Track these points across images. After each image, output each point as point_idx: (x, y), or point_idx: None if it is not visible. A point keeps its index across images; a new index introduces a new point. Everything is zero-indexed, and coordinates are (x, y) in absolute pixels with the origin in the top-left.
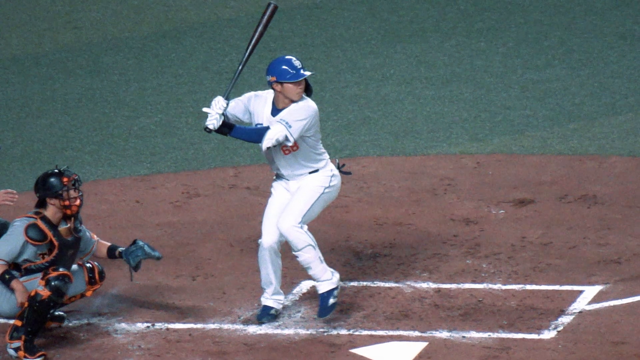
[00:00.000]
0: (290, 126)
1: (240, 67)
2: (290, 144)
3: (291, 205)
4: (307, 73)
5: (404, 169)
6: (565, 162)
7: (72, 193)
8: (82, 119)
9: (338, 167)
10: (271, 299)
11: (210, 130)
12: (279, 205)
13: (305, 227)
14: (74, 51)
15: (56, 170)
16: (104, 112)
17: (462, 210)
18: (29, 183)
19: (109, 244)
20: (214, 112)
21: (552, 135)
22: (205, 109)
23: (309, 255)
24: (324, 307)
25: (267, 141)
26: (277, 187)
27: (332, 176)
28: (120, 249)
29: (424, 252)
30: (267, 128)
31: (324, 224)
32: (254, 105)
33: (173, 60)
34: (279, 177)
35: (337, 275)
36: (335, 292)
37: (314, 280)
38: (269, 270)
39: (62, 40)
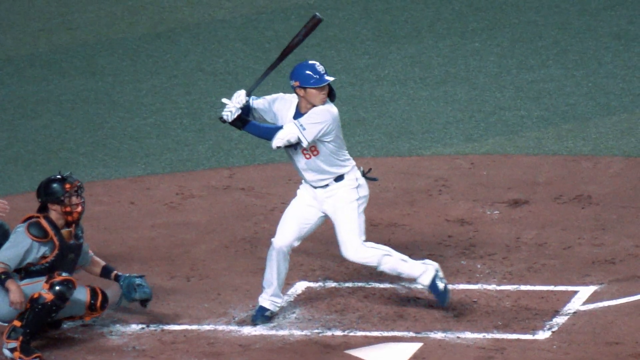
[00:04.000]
0: (304, 128)
1: (269, 68)
2: (304, 146)
3: (341, 232)
4: (330, 78)
5: (399, 170)
6: (560, 162)
7: (74, 199)
8: (77, 120)
9: (363, 174)
10: (269, 300)
11: (224, 121)
12: (301, 211)
13: (370, 242)
14: (68, 52)
15: (59, 176)
16: (98, 113)
17: (456, 211)
18: (23, 184)
19: (104, 263)
20: (232, 105)
21: (547, 136)
22: (224, 100)
23: (390, 263)
24: (438, 294)
25: (278, 140)
26: (304, 192)
27: (357, 187)
28: (117, 273)
29: (418, 253)
30: (280, 127)
31: (319, 226)
32: (279, 106)
33: (167, 61)
34: (305, 182)
35: (429, 263)
36: (439, 274)
37: (413, 281)
38: (274, 271)
39: (57, 41)
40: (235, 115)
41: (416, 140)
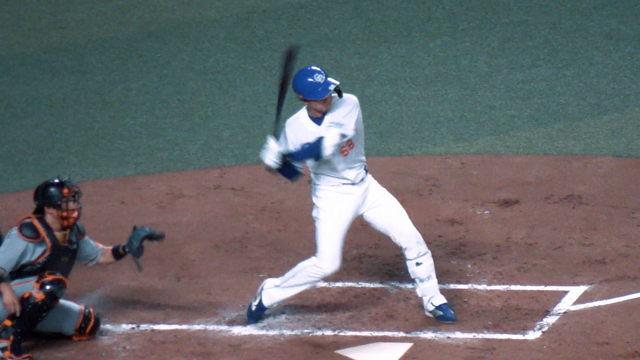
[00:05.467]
0: (341, 124)
1: (278, 106)
2: (350, 136)
3: (401, 214)
4: (332, 87)
5: (389, 170)
6: (551, 162)
7: (71, 205)
8: (67, 119)
9: None
10: (276, 300)
11: (271, 169)
12: (343, 229)
13: None
14: (59, 51)
15: (57, 180)
16: (88, 112)
17: (447, 211)
18: (13, 184)
19: (111, 247)
20: (272, 153)
21: (537, 136)
22: (263, 156)
23: (431, 261)
24: (448, 314)
25: (329, 149)
26: (337, 204)
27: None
28: (123, 245)
29: None
30: (322, 138)
31: (309, 225)
32: (296, 135)
33: (158, 60)
34: (343, 185)
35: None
36: (444, 307)
37: (424, 295)
38: (302, 288)
39: (47, 41)
40: (280, 159)
41: (407, 139)
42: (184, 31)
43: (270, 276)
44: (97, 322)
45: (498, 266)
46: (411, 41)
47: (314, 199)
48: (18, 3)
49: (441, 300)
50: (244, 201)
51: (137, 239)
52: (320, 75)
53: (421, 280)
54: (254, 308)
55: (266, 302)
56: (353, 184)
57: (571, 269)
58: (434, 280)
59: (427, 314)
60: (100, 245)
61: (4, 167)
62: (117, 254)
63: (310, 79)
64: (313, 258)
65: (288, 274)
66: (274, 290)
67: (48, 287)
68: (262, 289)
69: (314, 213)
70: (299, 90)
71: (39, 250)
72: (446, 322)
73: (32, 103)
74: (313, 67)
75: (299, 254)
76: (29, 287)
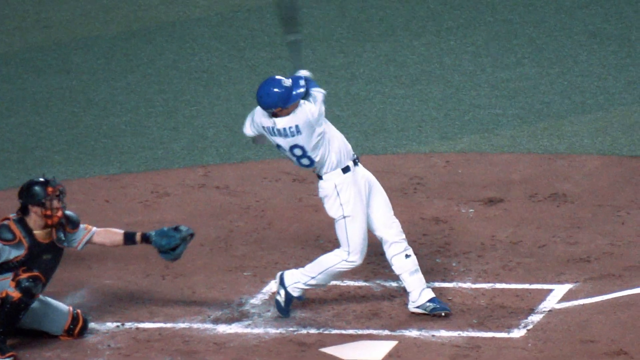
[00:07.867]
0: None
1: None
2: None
3: (390, 206)
4: (303, 82)
5: (374, 168)
6: (535, 160)
7: (55, 204)
8: (52, 118)
9: None
10: (303, 294)
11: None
12: (366, 216)
13: None
14: (43, 50)
15: (42, 179)
16: (73, 111)
17: (431, 209)
18: None
19: (123, 231)
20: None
21: (522, 134)
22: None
23: (414, 257)
24: (439, 305)
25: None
26: (360, 189)
27: None
28: (148, 232)
29: None
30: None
31: (294, 224)
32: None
33: (142, 59)
34: (356, 166)
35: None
36: (436, 299)
37: (414, 289)
38: (329, 281)
39: (32, 40)
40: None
41: (391, 138)
42: (168, 30)
43: (253, 275)
44: (85, 324)
45: (483, 264)
46: (395, 40)
47: (332, 198)
48: (2, 2)
49: (431, 293)
50: (229, 200)
51: (173, 240)
52: (287, 79)
53: (411, 273)
54: (283, 304)
55: (295, 294)
56: (355, 162)
57: (556, 267)
58: (420, 272)
59: (415, 309)
60: (92, 227)
61: None
62: (131, 240)
63: (278, 89)
64: (341, 253)
65: (313, 270)
66: (300, 285)
67: (24, 285)
68: (282, 286)
69: (336, 213)
70: (281, 102)
71: (16, 252)
72: (439, 313)
73: (16, 102)
74: (277, 76)
75: (284, 252)
76: (5, 285)
